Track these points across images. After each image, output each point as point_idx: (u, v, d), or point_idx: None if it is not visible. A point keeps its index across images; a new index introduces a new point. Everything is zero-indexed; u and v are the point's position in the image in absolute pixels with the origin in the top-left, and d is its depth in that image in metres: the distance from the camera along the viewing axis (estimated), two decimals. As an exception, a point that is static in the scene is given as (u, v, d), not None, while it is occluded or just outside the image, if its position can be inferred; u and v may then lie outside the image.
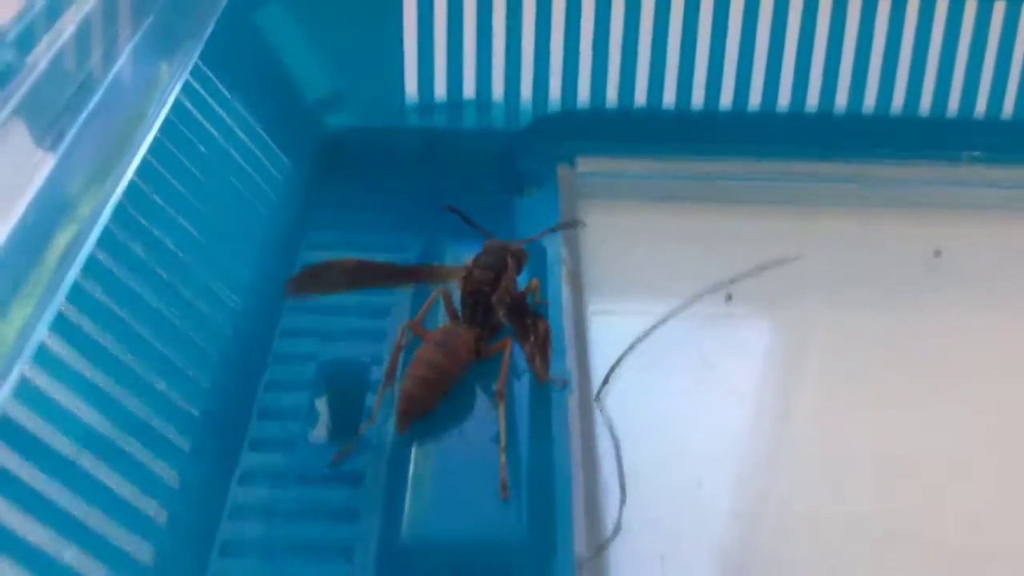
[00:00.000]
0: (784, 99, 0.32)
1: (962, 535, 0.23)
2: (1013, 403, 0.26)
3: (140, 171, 0.23)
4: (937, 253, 0.30)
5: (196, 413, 0.21)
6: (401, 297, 0.25)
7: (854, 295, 0.29)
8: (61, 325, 0.19)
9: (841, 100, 0.32)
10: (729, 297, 0.28)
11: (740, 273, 0.29)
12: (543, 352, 0.21)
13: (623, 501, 0.22)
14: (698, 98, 0.32)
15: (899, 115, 0.32)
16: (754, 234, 0.31)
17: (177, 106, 0.25)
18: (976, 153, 0.32)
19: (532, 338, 0.21)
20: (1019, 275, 0.30)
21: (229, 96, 0.28)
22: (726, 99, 0.32)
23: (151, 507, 0.19)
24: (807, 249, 0.30)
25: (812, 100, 0.32)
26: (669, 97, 0.32)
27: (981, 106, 0.32)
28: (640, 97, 0.32)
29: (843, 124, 0.32)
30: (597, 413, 0.24)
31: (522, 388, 0.23)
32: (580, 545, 0.20)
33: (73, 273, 0.20)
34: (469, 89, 0.32)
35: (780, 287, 0.29)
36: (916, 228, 0.31)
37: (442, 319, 0.23)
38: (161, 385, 0.21)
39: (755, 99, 0.32)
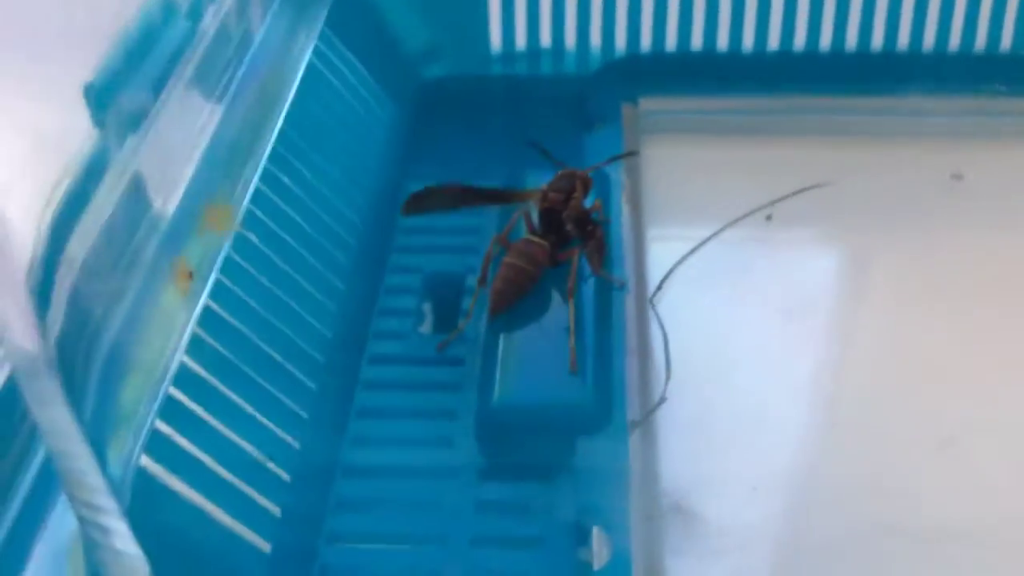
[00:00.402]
0: (825, 41, 0.36)
1: (989, 434, 0.26)
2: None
3: (286, 119, 0.29)
4: (957, 177, 0.34)
5: (333, 308, 0.27)
6: (489, 220, 0.30)
7: (881, 216, 0.33)
8: (239, 243, 0.25)
9: (877, 41, 0.36)
10: (769, 217, 0.33)
11: (779, 196, 0.33)
12: (598, 251, 0.27)
13: (668, 377, 0.27)
14: (748, 41, 0.36)
15: (930, 52, 0.36)
16: (794, 162, 0.35)
17: (310, 65, 0.31)
18: (1000, 86, 0.36)
19: (591, 241, 0.26)
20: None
21: (348, 54, 0.33)
22: (773, 42, 0.36)
23: (304, 380, 0.25)
24: (840, 175, 0.34)
25: (851, 41, 0.36)
26: (722, 41, 0.36)
27: (1007, 41, 0.36)
28: (696, 42, 0.36)
29: (879, 62, 0.36)
30: (651, 313, 0.30)
31: (588, 290, 0.28)
32: (632, 411, 0.26)
33: (245, 204, 0.26)
34: (545, 39, 0.37)
35: (815, 209, 0.33)
36: (938, 155, 0.35)
37: (523, 233, 0.29)
38: (309, 286, 0.27)
39: (799, 41, 0.36)
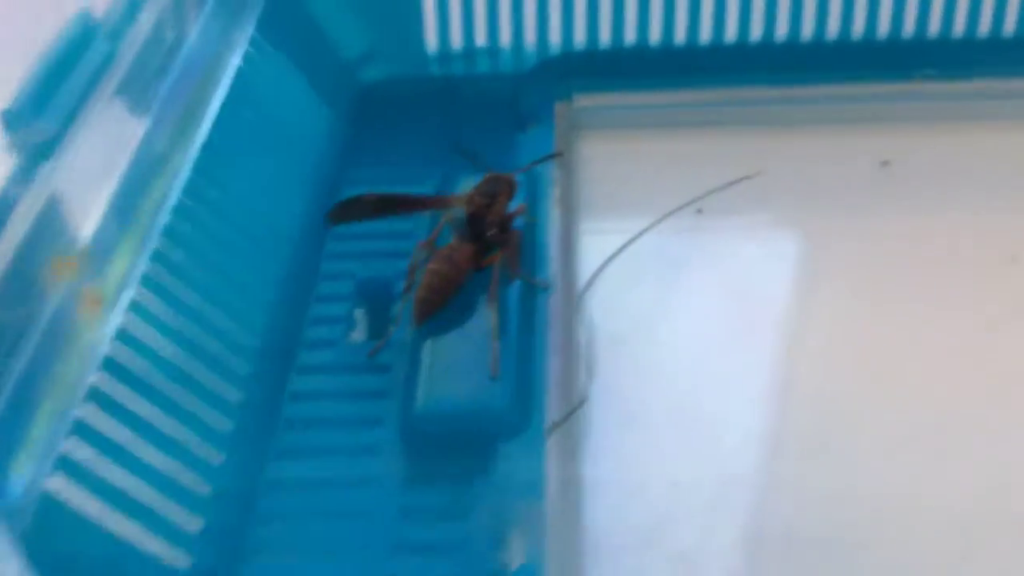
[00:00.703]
0: (756, 32, 0.36)
1: (921, 410, 0.26)
2: (948, 290, 0.30)
3: (214, 128, 0.28)
4: (885, 164, 0.34)
5: (262, 319, 0.27)
6: (422, 224, 0.30)
7: (810, 205, 0.33)
8: (159, 257, 0.25)
9: (807, 30, 0.36)
10: (700, 211, 0.33)
11: (710, 189, 0.33)
12: (514, 257, 0.27)
13: (590, 378, 0.27)
14: (680, 35, 0.36)
15: (860, 39, 0.36)
16: (726, 154, 0.34)
17: (239, 72, 0.31)
18: (931, 70, 0.35)
19: (507, 247, 0.26)
20: (958, 180, 0.33)
21: (280, 59, 0.33)
22: (704, 35, 0.36)
23: (229, 394, 0.25)
24: (771, 165, 0.34)
25: (781, 31, 0.36)
26: (655, 36, 0.36)
27: (935, 26, 0.36)
28: (630, 37, 0.36)
29: (808, 51, 0.35)
30: (579, 309, 0.29)
31: (515, 293, 0.28)
32: (554, 414, 0.25)
33: (164, 217, 0.26)
34: (481, 38, 0.36)
35: (746, 200, 0.33)
36: (867, 142, 0.34)
37: (450, 239, 0.28)
38: (236, 299, 0.26)
39: (731, 33, 0.36)
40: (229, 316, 0.26)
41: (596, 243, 0.32)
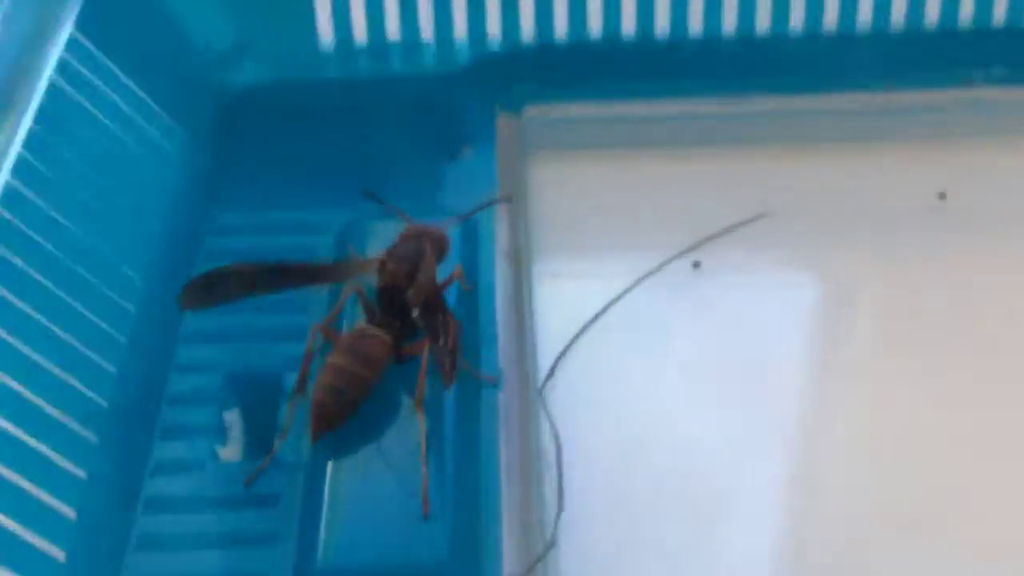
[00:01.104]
0: (763, 23, 0.35)
1: (959, 474, 0.27)
2: (1006, 352, 0.30)
3: (15, 170, 0.26)
4: (941, 195, 0.33)
5: (93, 437, 0.25)
6: (317, 294, 0.28)
7: (830, 249, 0.32)
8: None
9: (831, 19, 0.35)
10: (697, 265, 0.32)
11: (707, 235, 0.32)
12: (452, 356, 0.25)
13: (560, 511, 0.25)
14: (662, 25, 0.35)
15: (900, 30, 0.35)
16: (719, 183, 0.34)
17: (52, 86, 0.29)
18: (995, 69, 0.35)
19: (442, 340, 0.25)
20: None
21: (110, 66, 0.31)
22: (695, 25, 0.35)
23: (50, 548, 0.23)
24: (782, 197, 0.33)
25: (796, 22, 0.35)
26: (628, 27, 0.35)
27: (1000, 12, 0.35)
28: (595, 27, 0.35)
29: (834, 46, 0.35)
30: (539, 408, 0.28)
31: (452, 391, 0.26)
32: (511, 563, 0.24)
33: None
34: (393, 29, 0.35)
35: (754, 249, 0.32)
36: (920, 167, 0.34)
37: (357, 319, 0.27)
38: (53, 410, 0.24)
39: (729, 23, 0.35)
40: (49, 439, 0.24)
41: (555, 310, 0.31)
